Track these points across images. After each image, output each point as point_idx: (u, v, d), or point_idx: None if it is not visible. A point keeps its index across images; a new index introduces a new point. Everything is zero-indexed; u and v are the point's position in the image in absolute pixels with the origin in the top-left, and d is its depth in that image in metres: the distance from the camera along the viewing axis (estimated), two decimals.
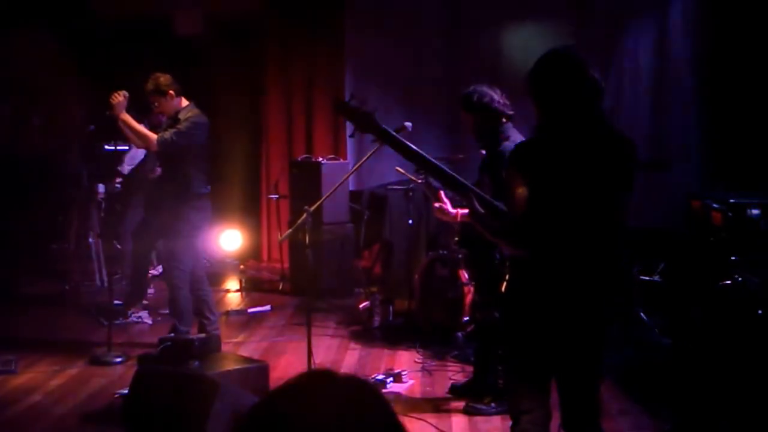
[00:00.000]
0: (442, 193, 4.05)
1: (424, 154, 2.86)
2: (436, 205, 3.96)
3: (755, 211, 4.33)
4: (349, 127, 8.51)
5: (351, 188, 7.50)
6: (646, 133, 6.97)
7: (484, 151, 4.14)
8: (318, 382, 0.96)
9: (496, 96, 4.06)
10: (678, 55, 6.98)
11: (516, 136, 3.99)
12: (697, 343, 4.11)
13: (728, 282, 4.04)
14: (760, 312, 3.73)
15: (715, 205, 4.70)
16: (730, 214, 4.52)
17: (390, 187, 6.87)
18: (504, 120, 4.05)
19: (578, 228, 2.57)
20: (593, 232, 2.57)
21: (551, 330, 2.61)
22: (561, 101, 2.57)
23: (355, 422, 0.92)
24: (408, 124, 4.39)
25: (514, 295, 2.68)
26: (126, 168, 7.29)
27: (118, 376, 4.80)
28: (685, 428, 3.78)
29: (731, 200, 4.59)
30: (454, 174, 2.84)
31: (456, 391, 4.47)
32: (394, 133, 2.88)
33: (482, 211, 2.70)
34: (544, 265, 2.58)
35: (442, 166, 2.86)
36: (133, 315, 6.19)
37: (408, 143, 2.87)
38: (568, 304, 2.58)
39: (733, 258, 4.14)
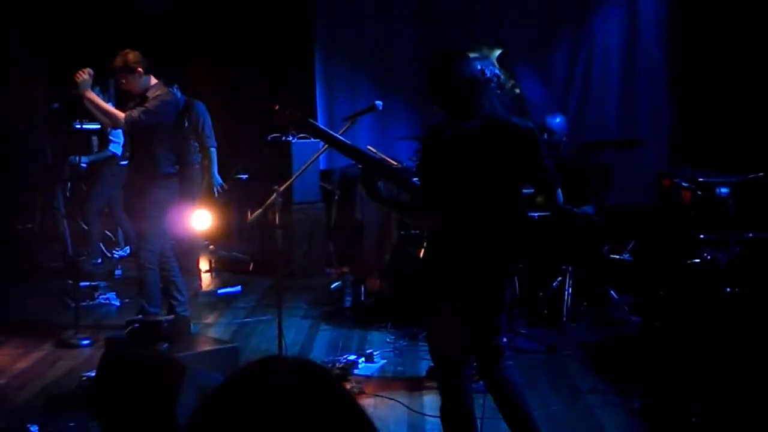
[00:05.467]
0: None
1: (355, 146, 3.08)
2: None
3: (723, 190, 4.36)
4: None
5: (322, 167, 7.44)
6: (616, 111, 7.00)
7: None
8: (268, 368, 0.96)
9: None
10: (648, 34, 6.99)
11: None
12: (665, 321, 4.14)
13: (697, 260, 4.07)
14: (728, 290, 3.77)
15: (684, 184, 4.73)
16: (699, 192, 4.56)
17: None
18: None
19: (466, 203, 2.85)
20: (482, 209, 2.86)
21: (455, 285, 2.95)
22: (439, 94, 2.96)
23: (309, 406, 0.91)
24: (378, 102, 4.38)
25: (427, 257, 3.09)
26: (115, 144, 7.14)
27: (85, 358, 4.73)
28: (654, 407, 3.83)
29: (700, 179, 4.62)
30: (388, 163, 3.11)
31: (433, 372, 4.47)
32: (328, 130, 3.06)
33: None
34: (444, 235, 2.94)
35: (374, 157, 3.10)
36: (100, 296, 6.12)
37: (338, 136, 3.04)
38: (466, 264, 2.90)
39: (701, 236, 4.17)
